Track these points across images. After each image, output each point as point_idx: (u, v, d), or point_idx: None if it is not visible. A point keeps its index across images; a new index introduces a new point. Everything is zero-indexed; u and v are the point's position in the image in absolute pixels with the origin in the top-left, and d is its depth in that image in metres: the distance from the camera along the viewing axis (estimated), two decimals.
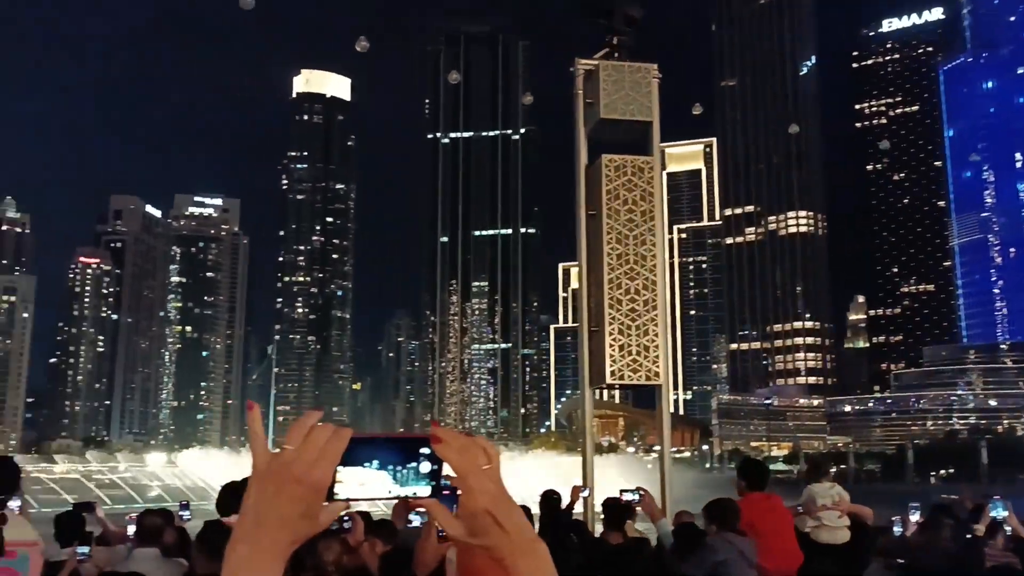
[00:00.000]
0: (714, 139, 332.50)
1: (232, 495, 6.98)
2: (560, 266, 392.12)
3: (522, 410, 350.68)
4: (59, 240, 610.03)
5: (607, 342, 15.85)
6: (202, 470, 78.84)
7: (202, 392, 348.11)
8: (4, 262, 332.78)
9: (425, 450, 1.40)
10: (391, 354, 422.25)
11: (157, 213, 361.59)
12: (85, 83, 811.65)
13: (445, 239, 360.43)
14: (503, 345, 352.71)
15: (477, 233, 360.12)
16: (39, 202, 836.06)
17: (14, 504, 6.22)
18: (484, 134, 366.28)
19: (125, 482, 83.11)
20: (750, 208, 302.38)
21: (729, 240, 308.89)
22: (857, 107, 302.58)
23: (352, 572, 5.53)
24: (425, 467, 1.42)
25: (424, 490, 1.41)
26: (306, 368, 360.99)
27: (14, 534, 5.48)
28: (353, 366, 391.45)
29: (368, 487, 1.43)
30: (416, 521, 7.70)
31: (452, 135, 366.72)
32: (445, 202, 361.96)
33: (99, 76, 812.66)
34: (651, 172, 16.82)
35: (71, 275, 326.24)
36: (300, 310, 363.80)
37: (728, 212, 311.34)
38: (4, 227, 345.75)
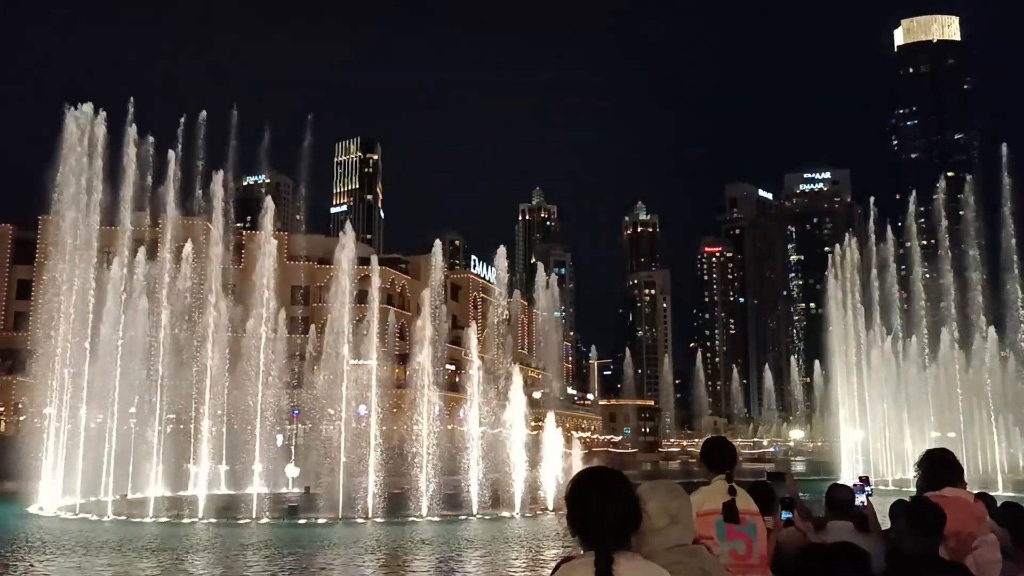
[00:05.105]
0: None
1: (935, 468, 6.99)
2: None
3: None
4: (684, 234, 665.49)
5: None
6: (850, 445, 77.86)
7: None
8: (642, 260, 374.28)
9: None
10: None
11: (769, 196, 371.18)
12: (685, 83, 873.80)
13: None
14: None
15: None
16: (664, 202, 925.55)
17: None
18: None
19: (772, 456, 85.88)
20: None
21: None
22: None
23: None
24: None
25: None
26: None
27: (742, 503, 5.96)
28: (1005, 332, 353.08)
29: None
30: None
31: None
32: None
33: (697, 71, 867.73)
34: None
35: (698, 265, 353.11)
36: (927, 276, 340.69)
37: None
38: (639, 229, 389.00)
